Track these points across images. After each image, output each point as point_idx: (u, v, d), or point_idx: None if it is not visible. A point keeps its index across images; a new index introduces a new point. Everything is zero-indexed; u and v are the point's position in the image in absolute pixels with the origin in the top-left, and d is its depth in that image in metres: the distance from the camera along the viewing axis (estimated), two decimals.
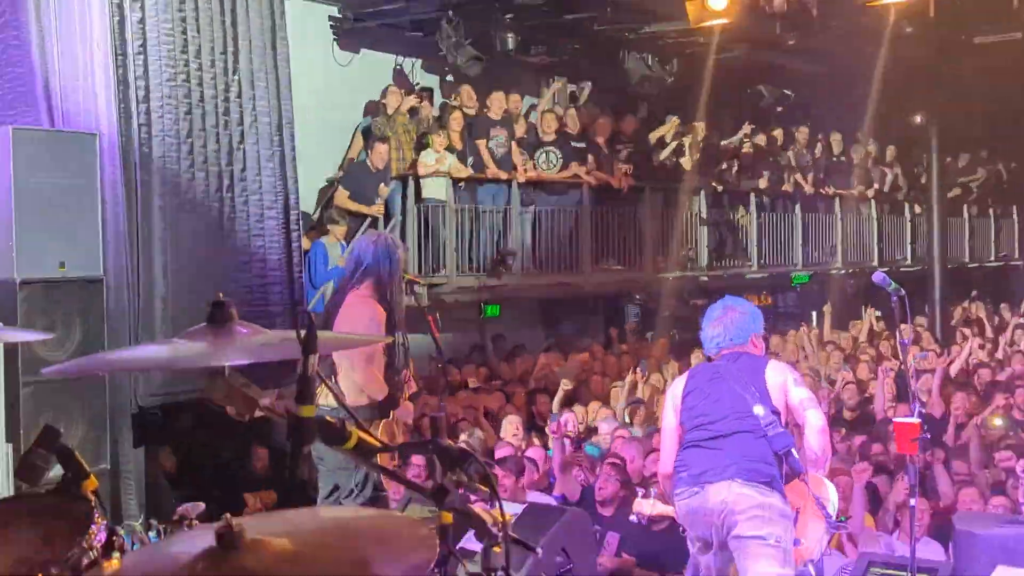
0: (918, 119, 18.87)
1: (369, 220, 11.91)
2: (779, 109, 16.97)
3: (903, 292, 5.97)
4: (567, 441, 8.73)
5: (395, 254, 6.06)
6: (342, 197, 11.85)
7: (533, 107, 14.88)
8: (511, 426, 9.59)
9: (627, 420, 10.41)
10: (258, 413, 2.55)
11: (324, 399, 6.00)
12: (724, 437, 5.19)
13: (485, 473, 2.46)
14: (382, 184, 11.93)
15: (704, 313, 5.63)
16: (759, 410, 5.19)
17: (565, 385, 10.68)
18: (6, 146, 6.91)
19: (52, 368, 2.65)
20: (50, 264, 7.10)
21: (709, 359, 5.66)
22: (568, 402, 10.84)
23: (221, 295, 2.61)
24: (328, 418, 2.36)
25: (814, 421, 5.21)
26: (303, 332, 2.29)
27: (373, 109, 13.05)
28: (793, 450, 5.22)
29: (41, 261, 7.05)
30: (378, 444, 2.50)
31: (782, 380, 5.30)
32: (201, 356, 2.50)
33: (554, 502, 7.68)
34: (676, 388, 5.54)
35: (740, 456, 5.12)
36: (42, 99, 7.60)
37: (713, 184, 16.03)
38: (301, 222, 9.51)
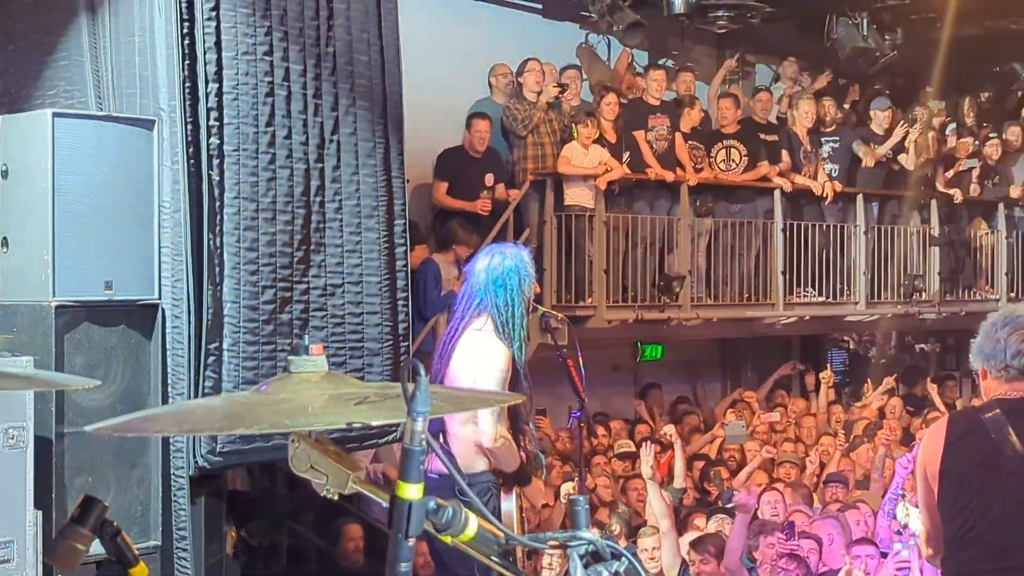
0: None
1: (495, 232, 12.02)
2: None
3: None
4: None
5: (519, 278, 6.04)
6: (439, 192, 11.98)
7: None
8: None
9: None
10: (351, 488, 2.58)
11: (433, 463, 6.07)
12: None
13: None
14: (489, 174, 12.02)
15: (996, 317, 4.81)
16: None
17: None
18: (44, 136, 7.11)
19: (96, 426, 2.71)
20: (94, 284, 7.23)
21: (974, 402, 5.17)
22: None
23: (306, 338, 2.66)
24: (439, 500, 2.37)
25: None
26: (411, 387, 2.32)
27: (497, 80, 13.13)
28: None
29: (83, 281, 7.18)
30: (502, 534, 2.51)
31: None
32: (276, 417, 2.54)
33: None
34: (930, 453, 4.81)
35: None
36: (90, 76, 7.81)
37: (947, 192, 15.73)
38: (409, 234, 9.64)
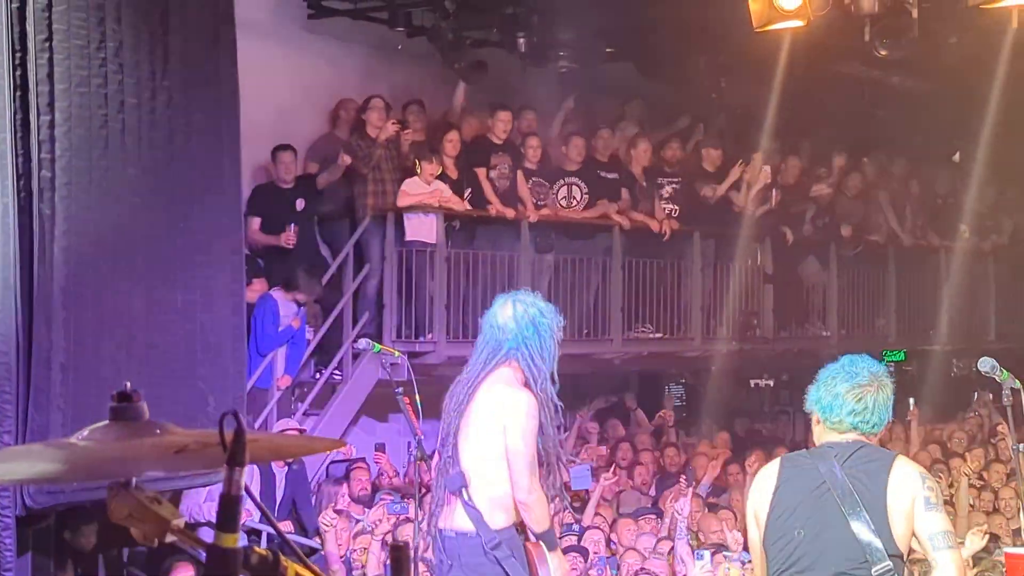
0: None
1: (335, 267, 12.01)
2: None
3: (1018, 384, 6.00)
4: None
5: (550, 323, 6.02)
6: (252, 228, 11.95)
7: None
8: None
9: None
10: (169, 538, 2.57)
11: (454, 520, 5.97)
12: None
13: None
14: (299, 200, 12.05)
15: (833, 368, 5.11)
16: (872, 555, 4.80)
17: None
18: None
19: None
20: None
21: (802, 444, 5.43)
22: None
23: (128, 385, 2.64)
24: (257, 549, 2.38)
25: (947, 571, 4.77)
26: (229, 437, 2.32)
27: (333, 120, 13.15)
28: None
29: None
30: None
31: (908, 503, 4.84)
32: (94, 464, 2.52)
33: None
34: (761, 490, 5.13)
35: None
36: None
37: (782, 230, 16.09)
38: (247, 268, 9.57)
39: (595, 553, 10.22)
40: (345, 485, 11.36)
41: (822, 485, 4.91)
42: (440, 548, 6.03)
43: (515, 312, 5.99)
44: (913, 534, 4.86)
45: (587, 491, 11.82)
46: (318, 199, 12.47)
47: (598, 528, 10.80)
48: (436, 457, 6.18)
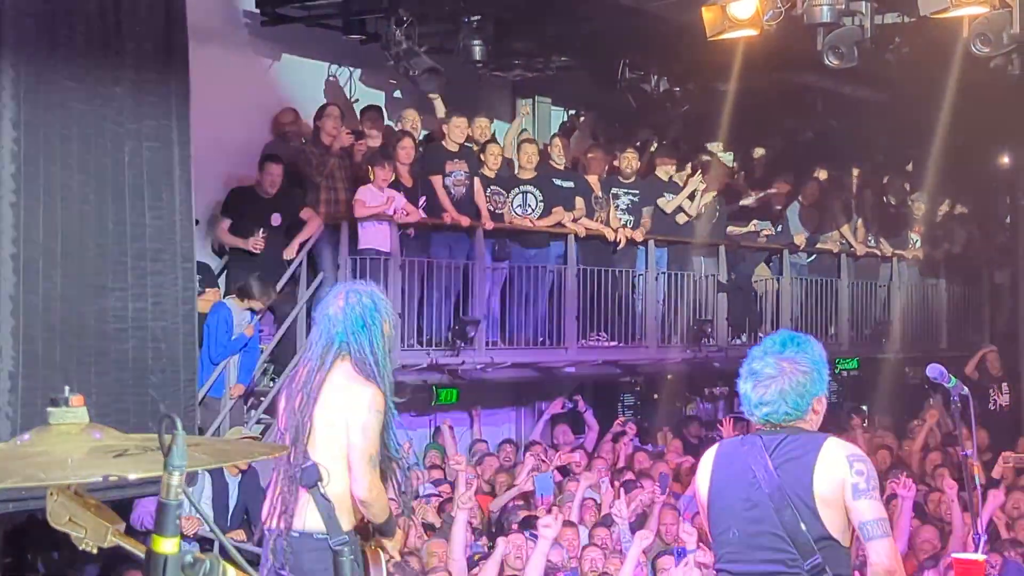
0: (1004, 161, 19.14)
1: (288, 276, 11.97)
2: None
3: (966, 390, 6.05)
4: None
5: (381, 316, 5.94)
6: (222, 228, 11.91)
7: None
8: None
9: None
10: (109, 542, 2.57)
11: (303, 521, 5.86)
12: None
13: None
14: (276, 214, 12.00)
15: (746, 362, 5.03)
16: (801, 549, 4.77)
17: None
18: None
19: None
20: None
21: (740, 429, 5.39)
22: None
23: (68, 389, 2.64)
24: (196, 554, 2.38)
25: (878, 561, 4.72)
26: (167, 441, 2.33)
27: (280, 128, 13.10)
28: None
29: None
30: None
31: (838, 491, 4.75)
32: (32, 469, 2.52)
33: None
34: (702, 478, 5.14)
35: None
36: None
37: (736, 239, 16.18)
38: (198, 277, 9.53)
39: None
40: None
41: (752, 481, 4.87)
42: (279, 550, 5.87)
43: (346, 304, 5.86)
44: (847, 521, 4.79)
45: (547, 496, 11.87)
46: (294, 215, 12.33)
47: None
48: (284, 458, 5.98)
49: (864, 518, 4.72)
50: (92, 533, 2.58)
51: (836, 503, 4.75)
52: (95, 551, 2.58)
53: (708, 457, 5.16)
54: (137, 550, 2.55)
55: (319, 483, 5.73)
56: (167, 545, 2.29)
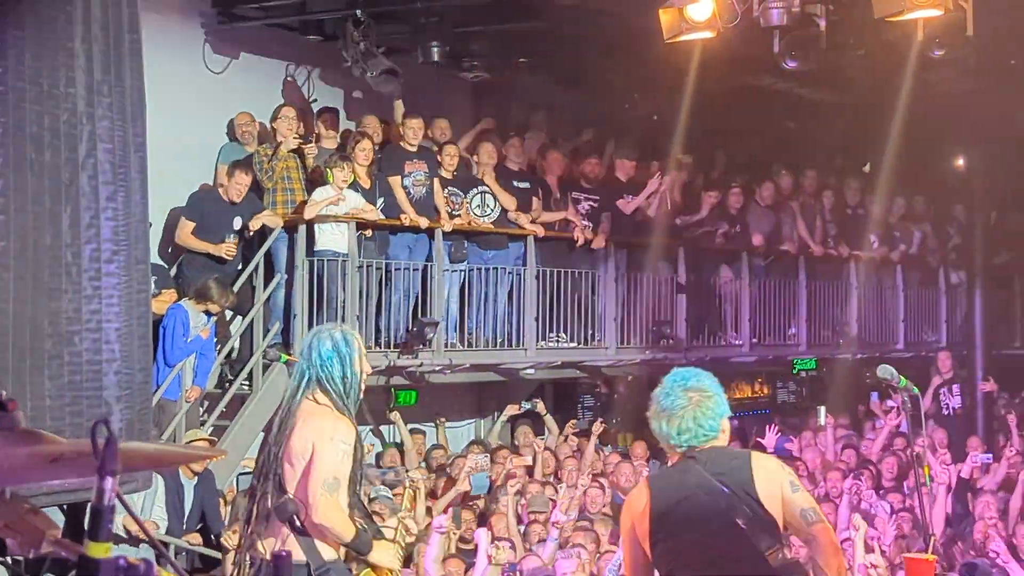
0: (959, 163, 19.28)
1: (244, 277, 11.93)
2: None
3: (916, 391, 6.10)
4: None
5: (354, 352, 6.07)
6: (184, 231, 11.87)
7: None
8: None
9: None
10: (45, 549, 2.55)
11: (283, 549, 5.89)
12: None
13: None
14: (237, 218, 11.97)
15: (653, 403, 5.40)
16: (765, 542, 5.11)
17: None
18: None
19: None
20: None
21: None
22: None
23: (3, 394, 2.61)
24: (130, 559, 2.36)
25: (824, 539, 5.13)
26: (101, 445, 2.31)
27: (239, 130, 13.07)
28: None
29: None
30: None
31: (777, 488, 5.19)
32: None
33: None
34: (636, 510, 5.37)
35: None
36: None
37: (695, 240, 16.22)
38: (153, 279, 9.48)
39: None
40: None
41: (694, 496, 5.22)
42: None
43: (320, 341, 6.09)
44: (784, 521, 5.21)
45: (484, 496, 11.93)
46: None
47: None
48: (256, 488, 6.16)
49: (804, 506, 5.18)
50: (28, 538, 2.56)
51: (776, 500, 5.15)
52: (30, 556, 2.56)
53: (640, 492, 5.46)
54: (73, 555, 2.52)
55: (295, 516, 5.80)
56: (100, 550, 2.27)
